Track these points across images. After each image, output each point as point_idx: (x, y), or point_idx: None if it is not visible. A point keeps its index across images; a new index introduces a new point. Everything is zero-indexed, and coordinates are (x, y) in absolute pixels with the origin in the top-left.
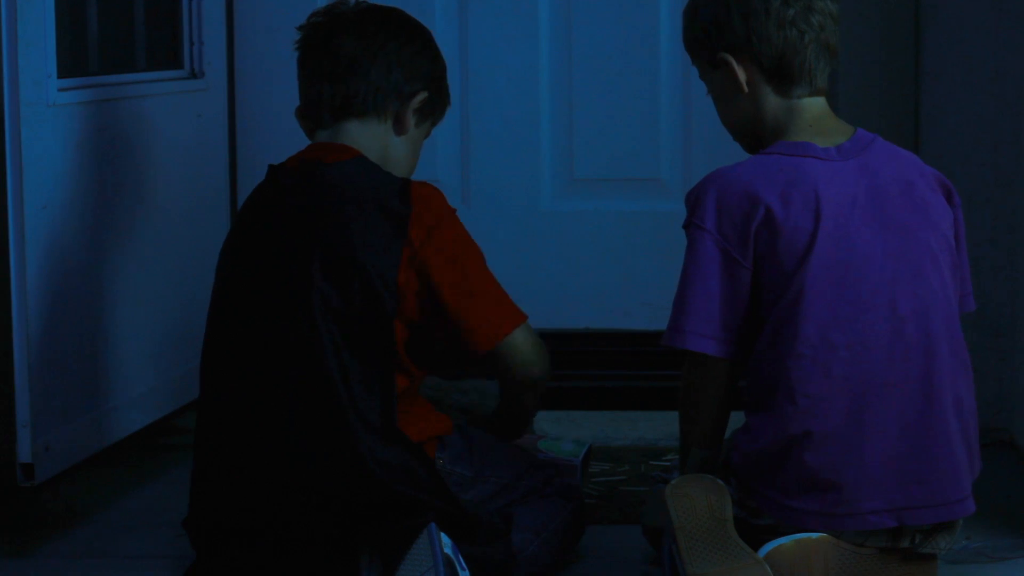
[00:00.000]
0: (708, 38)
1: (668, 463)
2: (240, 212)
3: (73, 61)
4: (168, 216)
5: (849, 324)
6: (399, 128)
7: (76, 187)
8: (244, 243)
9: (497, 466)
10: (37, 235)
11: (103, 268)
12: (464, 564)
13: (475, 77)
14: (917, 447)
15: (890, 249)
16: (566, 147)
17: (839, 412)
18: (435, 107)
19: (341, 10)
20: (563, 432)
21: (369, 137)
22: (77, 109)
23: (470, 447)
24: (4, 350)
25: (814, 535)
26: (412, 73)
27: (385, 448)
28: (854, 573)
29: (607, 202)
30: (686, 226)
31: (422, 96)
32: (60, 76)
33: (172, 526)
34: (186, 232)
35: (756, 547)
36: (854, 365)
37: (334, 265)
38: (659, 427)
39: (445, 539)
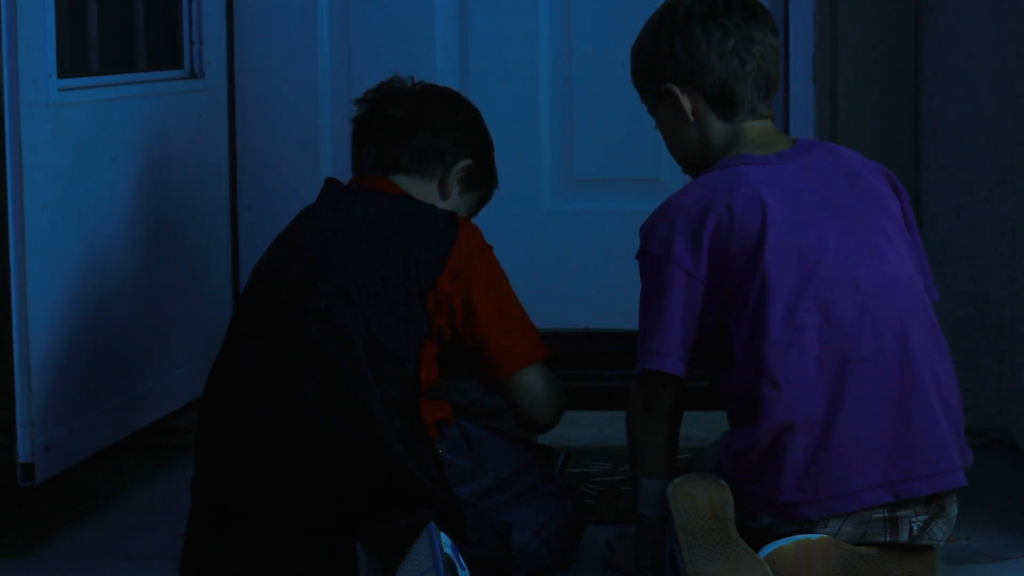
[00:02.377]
0: (653, 70)
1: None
2: (306, 211)
3: (73, 61)
4: (168, 216)
5: (814, 303)
6: (443, 192)
7: (76, 187)
8: (307, 228)
9: (496, 460)
10: (37, 235)
11: (103, 268)
12: (464, 564)
13: (475, 77)
14: (902, 420)
15: (844, 232)
16: (566, 147)
17: (820, 393)
18: (480, 180)
19: (396, 86)
20: (563, 432)
21: (415, 191)
22: (77, 109)
23: (468, 441)
24: (4, 350)
25: (813, 536)
26: (457, 140)
27: (401, 421)
28: (854, 574)
29: (607, 202)
30: (640, 255)
31: (465, 163)
32: (60, 76)
33: (172, 526)
34: (186, 232)
35: (756, 548)
36: (826, 343)
37: (382, 251)
38: None
39: (445, 539)
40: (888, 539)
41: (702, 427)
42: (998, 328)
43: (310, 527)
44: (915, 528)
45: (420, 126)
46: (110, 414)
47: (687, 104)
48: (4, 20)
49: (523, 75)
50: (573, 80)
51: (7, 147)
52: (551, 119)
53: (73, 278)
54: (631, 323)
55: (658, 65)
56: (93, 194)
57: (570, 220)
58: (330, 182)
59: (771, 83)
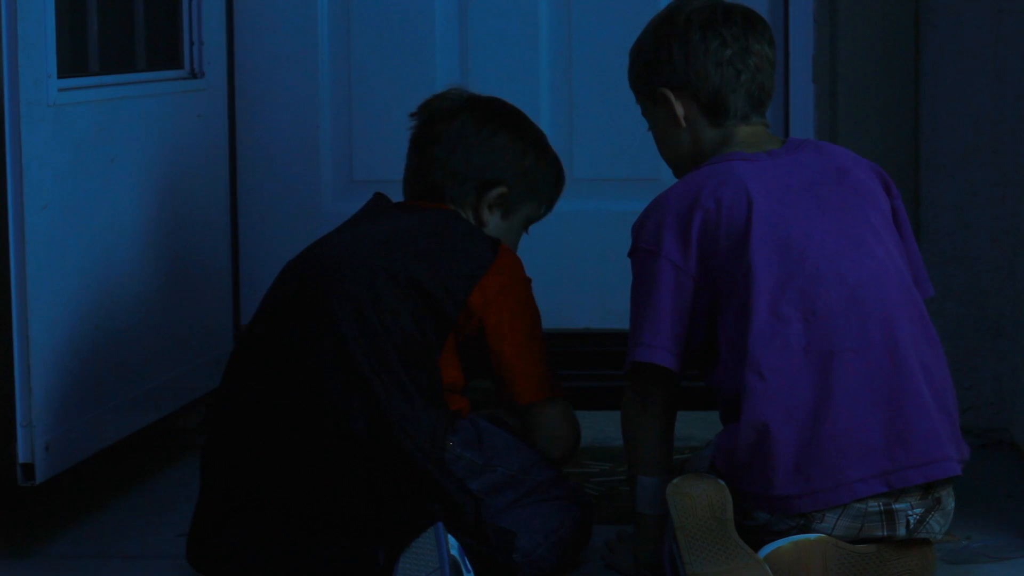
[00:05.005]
0: (650, 74)
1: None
2: (350, 219)
3: (73, 61)
4: (168, 216)
5: (798, 296)
6: (477, 220)
7: (76, 187)
8: (350, 232)
9: (505, 457)
10: (37, 235)
11: (103, 268)
12: (470, 567)
13: (475, 77)
14: (892, 411)
15: (830, 227)
16: (566, 147)
17: (807, 384)
18: (519, 201)
19: (449, 95)
20: None
21: None
22: (77, 109)
23: (479, 436)
24: (4, 350)
25: (812, 536)
26: (492, 162)
27: (414, 411)
28: (853, 573)
29: (607, 202)
30: (632, 253)
31: (499, 190)
32: (60, 76)
33: (172, 526)
34: (186, 232)
35: (755, 548)
36: (811, 335)
37: (419, 260)
38: None
39: (452, 541)
40: (885, 533)
41: (701, 427)
42: (998, 328)
43: (320, 520)
44: (912, 522)
45: (455, 148)
46: (110, 414)
47: (680, 109)
48: (4, 20)
49: (523, 76)
50: (573, 80)
51: (7, 147)
52: (551, 119)
53: (73, 278)
54: None
55: (655, 69)
56: (93, 194)
57: (570, 220)
58: (378, 196)
59: (765, 94)
